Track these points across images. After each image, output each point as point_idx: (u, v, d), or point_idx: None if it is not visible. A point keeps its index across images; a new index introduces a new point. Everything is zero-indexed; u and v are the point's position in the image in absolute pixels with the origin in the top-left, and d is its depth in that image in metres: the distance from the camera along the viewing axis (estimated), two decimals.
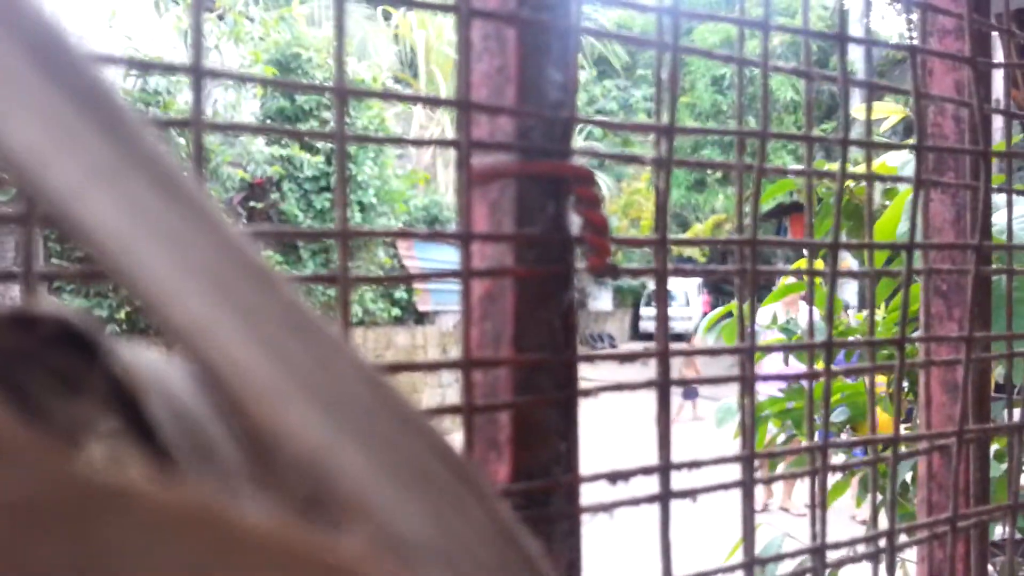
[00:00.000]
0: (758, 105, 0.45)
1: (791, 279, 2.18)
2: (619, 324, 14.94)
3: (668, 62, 0.41)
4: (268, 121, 6.75)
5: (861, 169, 0.55)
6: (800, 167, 0.47)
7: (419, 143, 0.40)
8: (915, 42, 0.52)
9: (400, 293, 7.05)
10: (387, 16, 10.04)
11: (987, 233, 0.54)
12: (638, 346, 11.56)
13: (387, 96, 0.31)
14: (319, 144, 6.78)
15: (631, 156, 0.41)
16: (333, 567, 0.13)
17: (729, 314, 1.79)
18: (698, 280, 16.57)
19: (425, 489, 0.20)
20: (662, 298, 0.42)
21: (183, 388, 0.24)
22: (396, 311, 6.95)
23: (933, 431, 0.55)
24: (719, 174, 13.18)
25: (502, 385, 0.38)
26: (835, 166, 1.43)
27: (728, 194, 12.91)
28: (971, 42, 0.53)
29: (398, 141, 0.32)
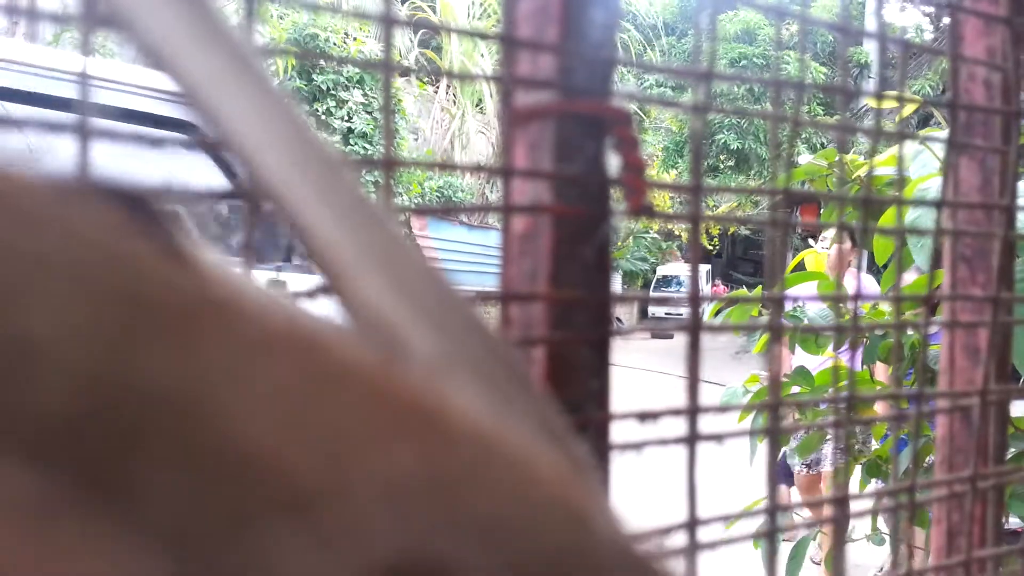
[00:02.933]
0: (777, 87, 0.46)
1: (807, 260, 2.18)
2: (628, 307, 14.93)
3: (708, 11, 0.41)
4: None
5: (870, 160, 0.55)
6: (816, 160, 0.48)
7: (464, 77, 0.41)
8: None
9: None
10: None
11: (1015, 197, 0.54)
12: (645, 331, 11.54)
13: (437, 28, 0.31)
14: (335, 124, 6.79)
15: (669, 101, 0.42)
16: (420, 405, 0.13)
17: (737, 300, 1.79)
18: (707, 267, 16.52)
19: (482, 376, 0.20)
20: (695, 243, 0.42)
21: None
22: None
23: (956, 391, 0.55)
24: (732, 161, 13.13)
25: (537, 321, 0.39)
26: (854, 158, 1.41)
27: (740, 182, 12.83)
28: (1008, 3, 0.53)
29: (448, 74, 0.32)
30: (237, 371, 0.11)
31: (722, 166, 13.16)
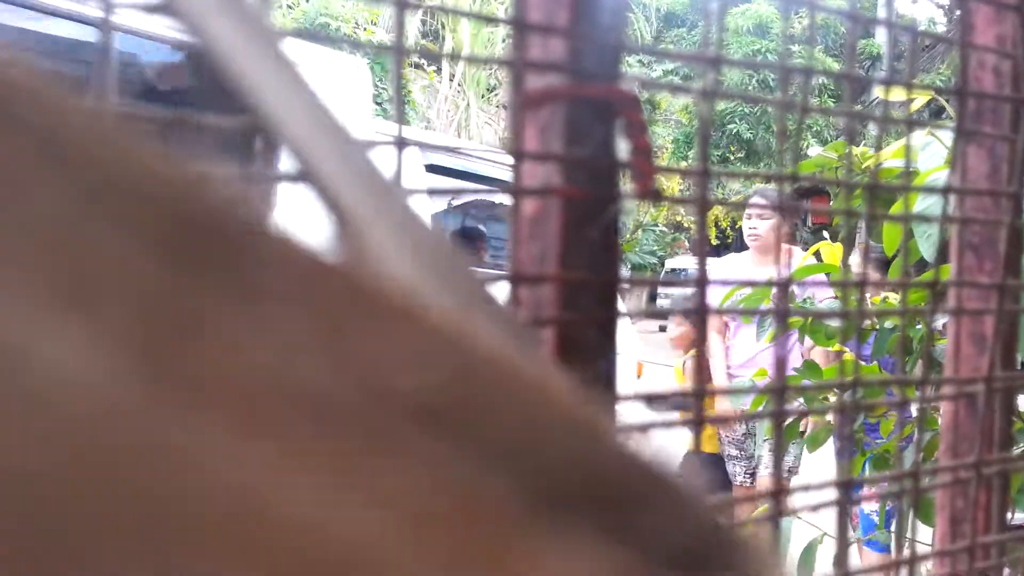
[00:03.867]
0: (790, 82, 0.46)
1: (811, 259, 2.17)
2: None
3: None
4: None
5: (876, 153, 0.55)
6: (826, 154, 0.48)
7: (473, 60, 0.41)
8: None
9: None
10: None
11: (1023, 184, 0.54)
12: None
13: (448, 11, 0.32)
14: None
15: (677, 86, 0.42)
16: (445, 332, 0.13)
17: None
18: (717, 259, 16.46)
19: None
20: (702, 227, 0.42)
21: None
22: None
23: (961, 378, 0.55)
24: (742, 152, 13.08)
25: (546, 303, 0.40)
26: (863, 150, 1.39)
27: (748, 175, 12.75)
28: None
29: (459, 58, 0.33)
30: (280, 295, 0.11)
31: (732, 157, 13.12)
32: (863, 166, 1.36)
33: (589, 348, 0.40)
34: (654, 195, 0.39)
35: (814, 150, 1.47)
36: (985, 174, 0.59)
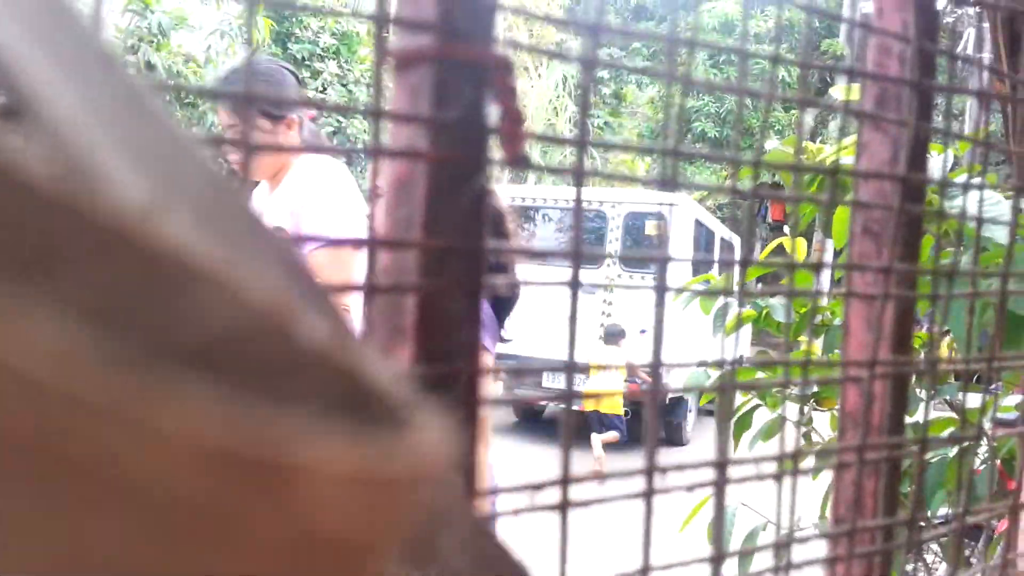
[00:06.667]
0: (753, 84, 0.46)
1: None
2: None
3: None
4: None
5: (828, 150, 0.55)
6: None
7: (342, 15, 0.40)
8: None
9: None
10: None
11: (920, 168, 0.55)
12: None
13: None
14: (309, 95, 6.71)
15: (557, 53, 0.41)
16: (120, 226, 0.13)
17: (706, 283, 1.80)
18: None
19: (204, 216, 0.20)
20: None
21: None
22: None
23: (850, 362, 0.56)
24: (706, 149, 13.15)
25: (409, 271, 0.39)
26: (816, 147, 1.39)
27: (714, 169, 12.82)
28: None
29: (322, 11, 0.32)
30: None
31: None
32: (816, 160, 1.37)
33: (454, 319, 0.39)
34: (523, 162, 0.38)
35: (770, 143, 1.48)
36: (886, 160, 0.59)
